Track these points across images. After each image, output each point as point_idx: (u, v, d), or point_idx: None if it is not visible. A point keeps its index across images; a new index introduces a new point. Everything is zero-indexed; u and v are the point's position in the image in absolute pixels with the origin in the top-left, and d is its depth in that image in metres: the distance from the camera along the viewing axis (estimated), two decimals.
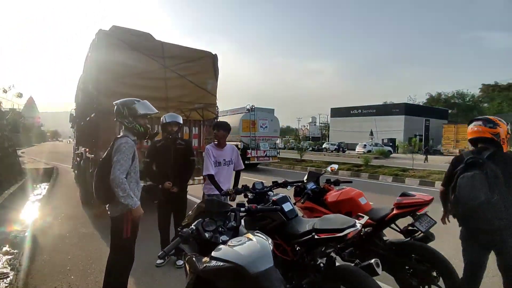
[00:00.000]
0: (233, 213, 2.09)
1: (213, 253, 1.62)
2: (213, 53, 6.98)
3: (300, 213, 3.18)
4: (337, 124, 54.59)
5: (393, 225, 3.17)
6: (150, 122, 4.32)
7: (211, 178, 3.51)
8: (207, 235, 1.85)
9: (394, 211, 2.97)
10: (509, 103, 50.58)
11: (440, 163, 18.89)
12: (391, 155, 30.11)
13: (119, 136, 2.62)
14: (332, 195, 3.59)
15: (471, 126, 2.54)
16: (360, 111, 52.69)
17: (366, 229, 3.13)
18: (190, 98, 6.57)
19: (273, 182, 3.42)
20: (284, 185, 3.44)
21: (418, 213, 2.90)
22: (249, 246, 1.64)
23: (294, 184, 3.59)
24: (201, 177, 6.38)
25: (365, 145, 33.38)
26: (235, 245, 1.65)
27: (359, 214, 2.77)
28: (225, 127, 3.64)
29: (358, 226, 2.28)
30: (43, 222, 5.69)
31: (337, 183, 4.02)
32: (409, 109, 47.33)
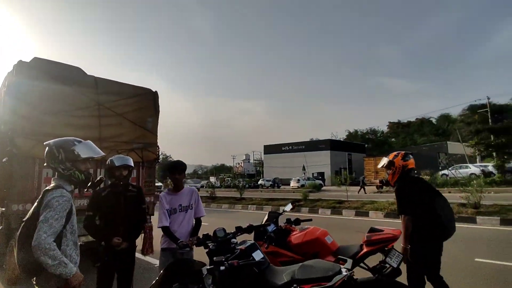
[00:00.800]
0: (211, 274, 1.75)
1: None
2: (154, 90, 6.59)
3: None
4: (270, 160, 56.38)
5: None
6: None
7: (165, 231, 3.05)
8: None
9: (365, 249, 2.92)
10: (410, 137, 59.60)
11: (367, 193, 20.55)
12: (322, 188, 31.90)
13: (50, 187, 2.04)
14: (296, 237, 3.43)
15: (411, 159, 3.04)
16: (291, 147, 55.58)
17: None
18: (127, 137, 5.95)
19: (236, 227, 3.09)
20: (249, 230, 3.15)
21: (387, 248, 2.89)
22: None
23: (258, 227, 3.33)
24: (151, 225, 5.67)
25: (298, 180, 34.80)
26: None
27: (340, 257, 2.64)
28: (181, 167, 3.22)
29: (344, 271, 2.12)
30: None
31: (297, 222, 3.89)
32: (333, 145, 51.65)
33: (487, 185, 14.94)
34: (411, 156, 3.03)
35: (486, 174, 20.89)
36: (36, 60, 5.32)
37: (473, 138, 26.23)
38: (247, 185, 44.96)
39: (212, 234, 2.85)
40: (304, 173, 34.21)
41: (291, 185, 34.89)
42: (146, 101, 6.35)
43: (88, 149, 2.22)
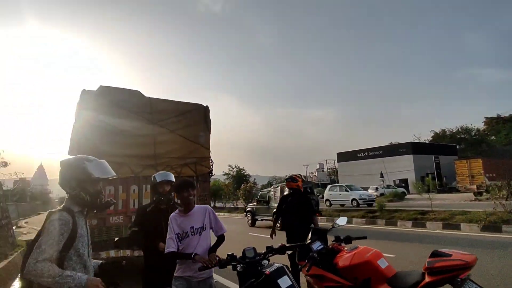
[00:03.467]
0: None
1: None
2: (205, 105, 6.72)
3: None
4: (345, 168, 53.57)
5: None
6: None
7: (173, 256, 2.66)
8: None
9: (426, 279, 2.25)
10: None
11: (459, 201, 17.71)
12: (406, 196, 28.71)
13: (54, 209, 1.98)
14: (344, 258, 2.89)
15: None
16: (366, 153, 51.99)
17: None
18: (180, 153, 6.16)
19: (267, 247, 2.73)
20: (282, 250, 2.75)
21: (459, 279, 2.18)
22: None
23: (294, 247, 2.90)
24: None
25: (377, 188, 32.06)
26: None
27: None
28: (184, 186, 2.76)
29: None
30: None
31: (348, 240, 3.32)
32: (416, 148, 46.56)
33: None
34: None
35: None
36: (101, 88, 5.90)
37: None
38: (320, 196, 43.51)
39: (241, 254, 2.56)
40: (383, 181, 31.34)
41: None
42: (197, 117, 6.49)
43: (100, 169, 2.05)
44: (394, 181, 39.90)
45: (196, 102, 6.68)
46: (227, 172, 44.09)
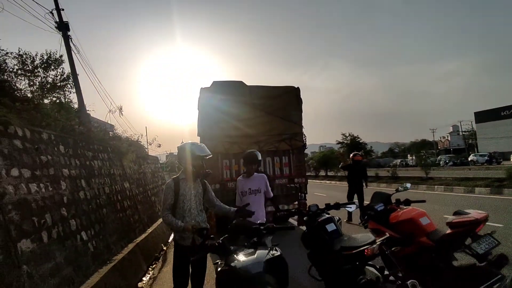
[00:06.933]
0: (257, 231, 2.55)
1: (224, 260, 2.16)
2: (296, 87, 7.60)
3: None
4: (486, 130, 44.87)
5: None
6: None
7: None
8: (231, 247, 2.34)
9: (447, 231, 2.73)
10: None
11: None
12: None
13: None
14: (394, 216, 3.51)
15: None
16: None
17: (394, 248, 3.01)
18: (277, 130, 7.32)
19: (325, 204, 3.62)
20: (336, 207, 3.58)
21: (476, 232, 2.57)
22: (247, 256, 2.10)
23: (345, 206, 3.64)
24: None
25: None
26: (238, 254, 2.14)
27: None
28: (251, 159, 3.89)
29: (376, 243, 2.37)
30: None
31: (407, 203, 3.84)
32: None
33: None
34: None
35: None
36: (213, 84, 7.53)
37: None
38: (450, 163, 38.17)
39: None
40: None
41: None
42: (290, 98, 7.47)
43: (200, 150, 3.05)
44: None
45: (288, 85, 7.63)
46: (341, 140, 43.67)
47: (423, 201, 3.82)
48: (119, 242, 6.12)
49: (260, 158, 4.34)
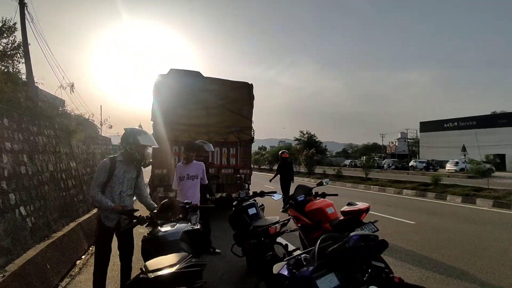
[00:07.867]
0: (183, 208, 2.99)
1: (151, 231, 2.58)
2: (249, 83, 8.06)
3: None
4: (429, 139, 49.27)
5: None
6: None
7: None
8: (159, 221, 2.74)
9: (340, 218, 3.40)
10: None
11: None
12: (493, 174, 25.56)
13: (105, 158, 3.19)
14: (309, 205, 4.14)
15: None
16: (456, 123, 46.68)
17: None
18: (227, 123, 7.76)
19: (253, 192, 4.17)
20: (261, 194, 4.14)
21: (361, 220, 3.27)
22: (168, 228, 2.53)
23: (268, 194, 4.21)
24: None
25: (457, 163, 29.45)
26: (163, 227, 2.56)
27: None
28: (190, 147, 4.30)
29: (279, 223, 2.95)
30: None
31: (323, 195, 4.49)
32: None
33: None
34: None
35: None
36: (170, 71, 7.71)
37: None
38: (393, 166, 41.58)
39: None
40: (465, 155, 28.34)
41: (446, 168, 30.04)
42: (243, 93, 7.92)
43: (147, 139, 3.10)
44: (488, 155, 35.48)
45: (242, 81, 8.07)
46: (298, 137, 45.39)
47: (336, 195, 4.51)
48: (60, 220, 6.20)
49: (212, 149, 4.71)
